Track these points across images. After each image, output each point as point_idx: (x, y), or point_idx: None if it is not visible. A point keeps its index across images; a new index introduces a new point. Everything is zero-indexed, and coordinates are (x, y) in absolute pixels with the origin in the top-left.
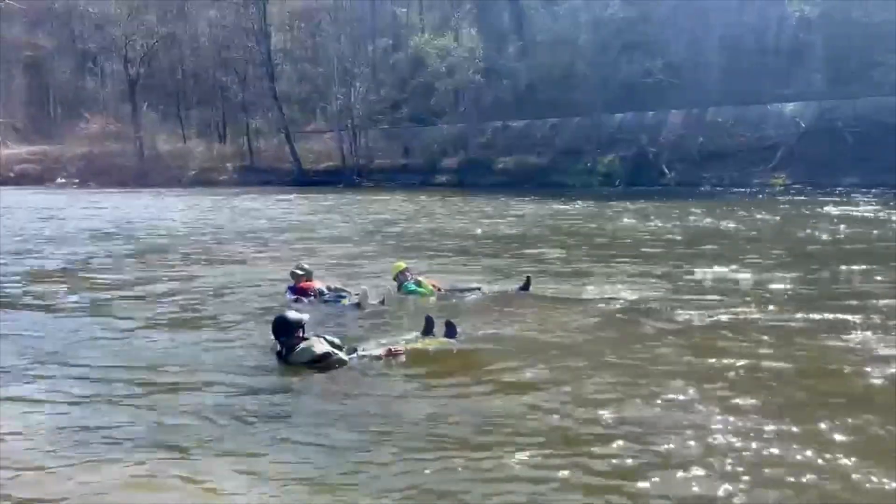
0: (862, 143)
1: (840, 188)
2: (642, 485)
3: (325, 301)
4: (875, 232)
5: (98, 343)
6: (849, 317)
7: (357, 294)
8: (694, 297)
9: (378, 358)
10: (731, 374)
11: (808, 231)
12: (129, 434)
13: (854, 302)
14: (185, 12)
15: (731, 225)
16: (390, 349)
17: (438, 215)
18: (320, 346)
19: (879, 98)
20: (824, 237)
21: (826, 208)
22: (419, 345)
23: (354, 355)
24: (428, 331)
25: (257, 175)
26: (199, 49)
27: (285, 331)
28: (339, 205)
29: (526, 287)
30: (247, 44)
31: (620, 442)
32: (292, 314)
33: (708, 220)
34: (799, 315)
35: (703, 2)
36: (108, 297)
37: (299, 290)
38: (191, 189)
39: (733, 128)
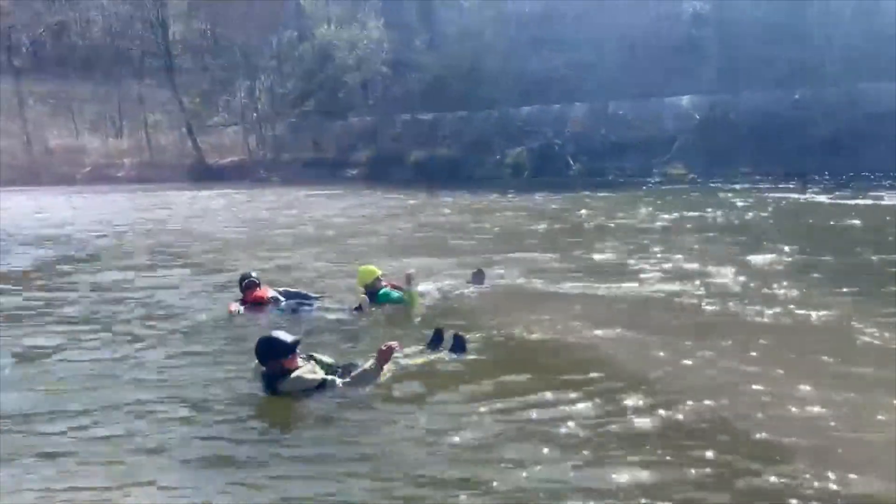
0: (753, 134)
1: (734, 176)
2: None
3: (293, 311)
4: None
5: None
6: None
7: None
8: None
9: (372, 373)
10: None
11: (714, 214)
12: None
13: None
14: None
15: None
16: (381, 348)
17: (360, 210)
18: (314, 375)
19: (768, 91)
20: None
21: (725, 195)
22: (421, 360)
23: (348, 378)
24: (436, 344)
25: (158, 171)
26: (92, 39)
27: (274, 355)
28: (249, 201)
29: (480, 279)
30: (143, 34)
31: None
32: (282, 335)
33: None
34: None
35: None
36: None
37: (252, 304)
38: (86, 187)
39: (633, 120)
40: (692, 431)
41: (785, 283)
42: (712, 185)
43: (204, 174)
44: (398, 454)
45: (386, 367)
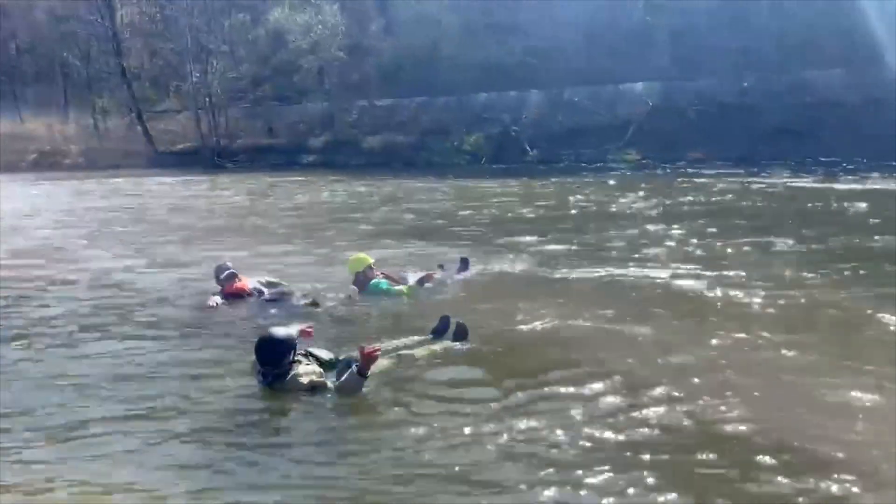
0: (704, 120)
1: (685, 162)
2: None
3: (268, 301)
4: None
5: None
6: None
7: (305, 294)
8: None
9: (356, 381)
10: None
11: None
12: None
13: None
14: None
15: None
16: (363, 353)
17: (336, 197)
18: (312, 376)
19: (717, 79)
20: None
21: (682, 180)
22: (424, 352)
23: (337, 382)
24: (441, 332)
25: (107, 157)
26: (35, 22)
27: (275, 357)
28: (210, 189)
29: (465, 266)
30: (89, 16)
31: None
32: (281, 332)
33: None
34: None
35: None
36: None
37: (232, 296)
38: (32, 174)
39: (589, 107)
40: (700, 431)
41: (774, 268)
42: (668, 170)
43: (155, 161)
44: (395, 456)
45: (374, 366)
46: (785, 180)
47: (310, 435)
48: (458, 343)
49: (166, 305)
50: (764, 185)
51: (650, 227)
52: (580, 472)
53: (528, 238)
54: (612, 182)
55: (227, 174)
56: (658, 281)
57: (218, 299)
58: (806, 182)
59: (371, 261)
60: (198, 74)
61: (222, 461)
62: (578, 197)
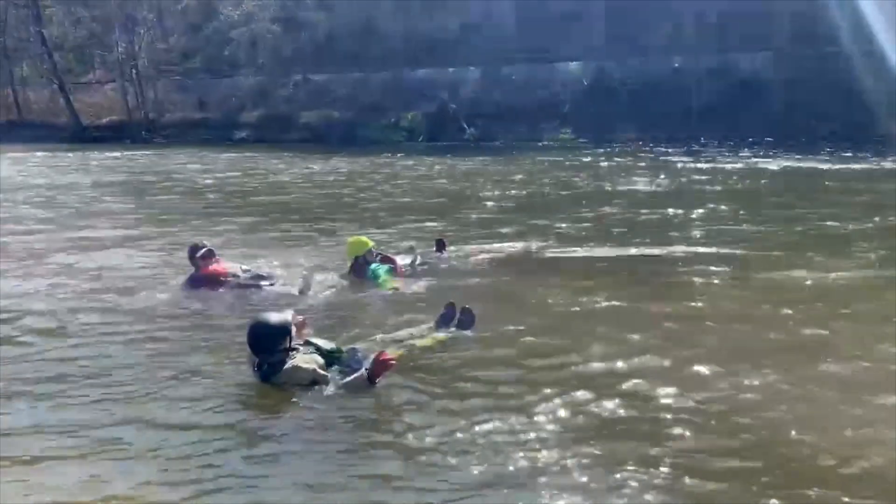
0: (635, 100)
1: (621, 142)
2: None
3: (247, 286)
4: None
5: None
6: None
7: (302, 277)
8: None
9: (365, 383)
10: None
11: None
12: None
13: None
14: None
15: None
16: (379, 358)
17: (290, 175)
18: (312, 366)
19: (649, 58)
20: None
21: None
22: (428, 341)
23: (342, 380)
24: (447, 320)
25: (27, 131)
26: None
27: (270, 344)
28: (148, 164)
29: (441, 248)
30: None
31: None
32: (275, 317)
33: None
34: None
35: None
36: None
37: (208, 279)
38: None
39: (525, 85)
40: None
41: (745, 245)
42: (605, 149)
43: (79, 135)
44: (411, 464)
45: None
46: (720, 162)
47: (311, 439)
48: (464, 331)
49: (128, 294)
50: (697, 165)
51: (642, 207)
52: (601, 469)
53: (478, 216)
54: (568, 162)
55: (156, 149)
56: (661, 258)
57: (187, 286)
58: (730, 163)
59: (371, 244)
60: (124, 45)
61: (211, 472)
62: (544, 179)
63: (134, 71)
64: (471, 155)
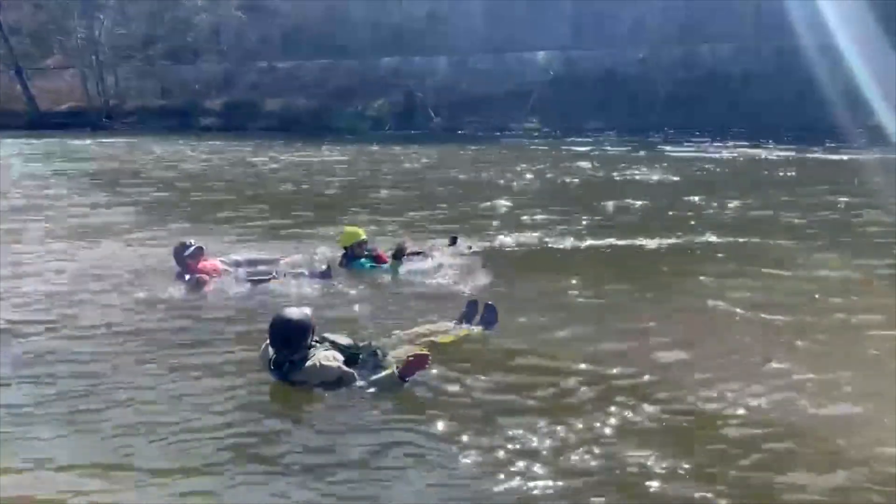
0: (601, 90)
1: (584, 131)
2: None
3: (254, 283)
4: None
5: None
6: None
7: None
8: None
9: (396, 383)
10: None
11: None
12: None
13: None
14: None
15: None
16: (411, 357)
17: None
18: (334, 363)
19: (615, 49)
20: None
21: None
22: (450, 338)
23: (365, 381)
24: (469, 317)
25: None
26: None
27: (297, 340)
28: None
29: (453, 243)
30: None
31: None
32: (299, 312)
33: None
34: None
35: None
36: None
37: (200, 278)
38: None
39: (492, 75)
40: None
41: (734, 236)
42: (576, 140)
43: (36, 122)
44: (422, 465)
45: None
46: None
47: (322, 436)
48: (488, 328)
49: (127, 290)
50: (662, 154)
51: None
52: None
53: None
54: (530, 151)
55: (117, 136)
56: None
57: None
58: (689, 151)
59: (363, 236)
60: (84, 30)
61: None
62: (523, 166)
63: (94, 56)
64: (440, 143)
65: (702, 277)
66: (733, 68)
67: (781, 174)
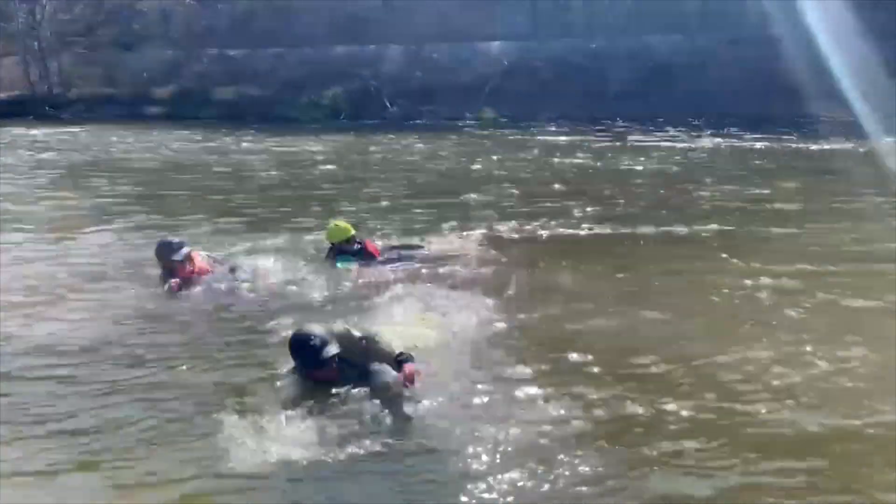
0: (556, 80)
1: (539, 121)
2: None
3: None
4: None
5: None
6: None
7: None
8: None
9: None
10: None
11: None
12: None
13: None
14: None
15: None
16: (406, 371)
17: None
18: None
19: (569, 40)
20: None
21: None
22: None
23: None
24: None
25: None
26: None
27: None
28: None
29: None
30: None
31: None
32: (318, 331)
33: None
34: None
35: None
36: None
37: (184, 278)
38: None
39: (447, 64)
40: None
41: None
42: (533, 129)
43: None
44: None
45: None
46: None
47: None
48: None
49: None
50: (614, 144)
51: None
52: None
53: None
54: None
55: (63, 125)
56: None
57: (177, 282)
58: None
59: (351, 233)
60: (24, 15)
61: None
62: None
63: (36, 43)
64: (397, 131)
65: (699, 263)
66: (685, 59)
67: (758, 162)
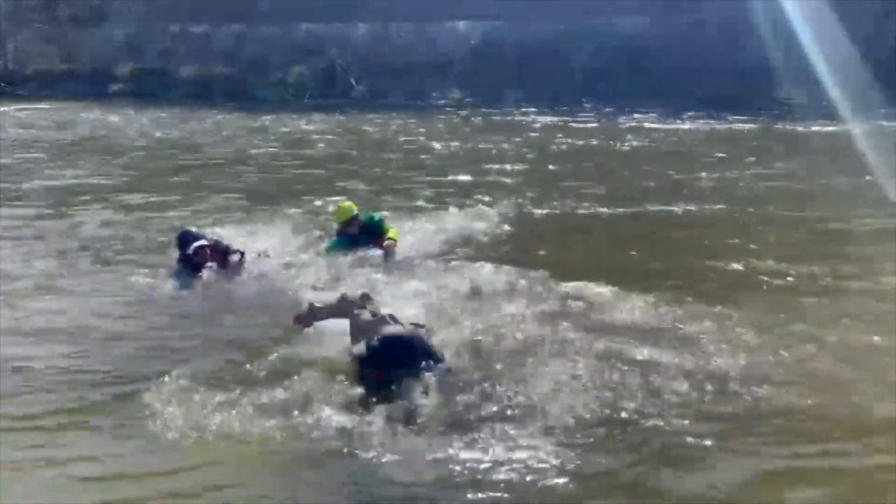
0: (523, 62)
1: (508, 103)
2: None
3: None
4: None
5: None
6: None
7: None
8: None
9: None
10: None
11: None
12: None
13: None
14: None
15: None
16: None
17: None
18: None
19: (538, 22)
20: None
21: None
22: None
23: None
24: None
25: None
26: None
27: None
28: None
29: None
30: None
31: None
32: (402, 330)
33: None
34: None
35: None
36: None
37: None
38: None
39: (413, 43)
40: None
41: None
42: (503, 110)
43: None
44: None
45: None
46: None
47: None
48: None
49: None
50: (580, 126)
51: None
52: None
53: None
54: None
55: (19, 102)
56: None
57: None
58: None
59: (355, 211)
60: None
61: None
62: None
63: None
64: (364, 111)
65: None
66: (648, 42)
67: (750, 144)
